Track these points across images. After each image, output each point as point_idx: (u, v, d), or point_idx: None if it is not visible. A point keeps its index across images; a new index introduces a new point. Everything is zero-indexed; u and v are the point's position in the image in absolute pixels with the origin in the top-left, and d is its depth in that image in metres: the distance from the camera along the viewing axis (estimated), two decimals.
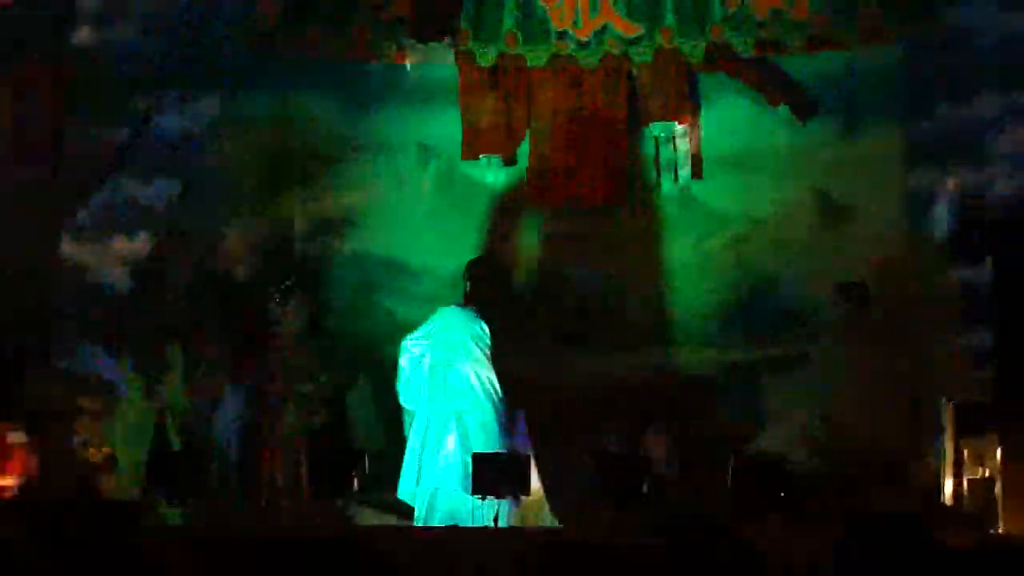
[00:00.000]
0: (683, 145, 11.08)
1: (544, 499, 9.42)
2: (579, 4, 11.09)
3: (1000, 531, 8.17)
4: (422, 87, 11.16)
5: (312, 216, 11.09)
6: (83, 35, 9.42)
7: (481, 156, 11.16)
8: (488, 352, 9.50)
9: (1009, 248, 8.56)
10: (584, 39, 11.14)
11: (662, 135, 11.10)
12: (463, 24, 11.07)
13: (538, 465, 9.41)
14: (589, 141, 11.19)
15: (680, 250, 11.18)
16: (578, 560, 5.93)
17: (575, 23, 11.12)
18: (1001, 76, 9.50)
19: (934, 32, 9.54)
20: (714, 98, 11.13)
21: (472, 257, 10.29)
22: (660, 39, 11.06)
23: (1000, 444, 8.40)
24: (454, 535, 8.09)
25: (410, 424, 9.69)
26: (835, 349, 9.81)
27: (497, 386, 9.49)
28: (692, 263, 11.13)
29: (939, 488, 9.06)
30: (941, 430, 9.16)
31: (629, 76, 11.16)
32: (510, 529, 8.28)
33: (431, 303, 10.18)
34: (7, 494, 8.08)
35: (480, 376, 9.43)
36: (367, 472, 8.84)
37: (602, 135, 11.18)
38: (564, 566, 5.68)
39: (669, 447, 9.92)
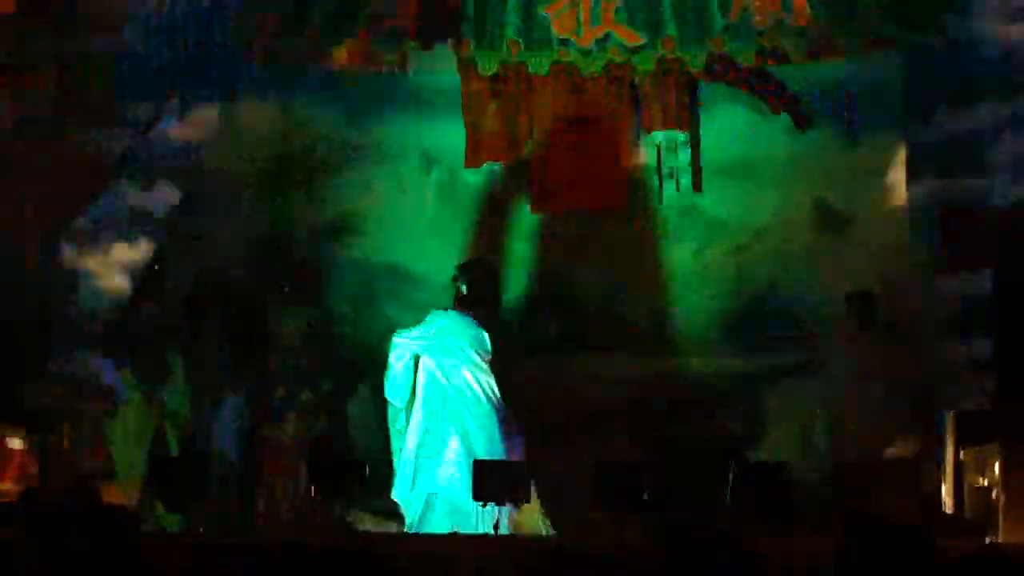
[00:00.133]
0: (684, 153, 11.09)
1: (539, 505, 9.39)
2: (581, 13, 11.11)
3: (1001, 540, 8.16)
4: (424, 95, 11.17)
5: (313, 223, 11.09)
6: (84, 41, 9.41)
7: (484, 164, 11.19)
8: (488, 358, 9.48)
9: (1009, 257, 8.55)
10: (586, 47, 11.16)
11: (664, 143, 11.11)
12: (465, 33, 11.08)
13: (536, 471, 9.40)
14: (591, 149, 11.21)
15: (681, 258, 11.19)
16: (578, 568, 5.91)
17: (577, 31, 11.14)
18: (1002, 85, 9.49)
19: (935, 41, 9.53)
20: (715, 107, 11.14)
21: (465, 260, 10.20)
22: (662, 48, 11.08)
23: (1001, 453, 8.38)
24: (454, 542, 8.08)
25: (395, 421, 9.59)
26: (836, 357, 9.78)
27: (497, 392, 9.46)
28: (693, 271, 11.14)
29: (940, 496, 9.05)
30: (942, 438, 9.15)
31: (631, 84, 11.18)
32: (511, 536, 8.26)
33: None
34: (6, 499, 8.06)
35: (480, 381, 9.40)
36: (367, 478, 8.82)
37: (604, 143, 11.19)
38: (564, 574, 5.66)
39: None
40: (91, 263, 9.41)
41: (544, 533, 9.17)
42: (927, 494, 9.11)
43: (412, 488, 9.34)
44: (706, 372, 10.97)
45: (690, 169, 11.06)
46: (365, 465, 8.92)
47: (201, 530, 9.46)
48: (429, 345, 9.52)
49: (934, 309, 9.60)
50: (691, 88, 11.11)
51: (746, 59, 11.02)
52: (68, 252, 9.34)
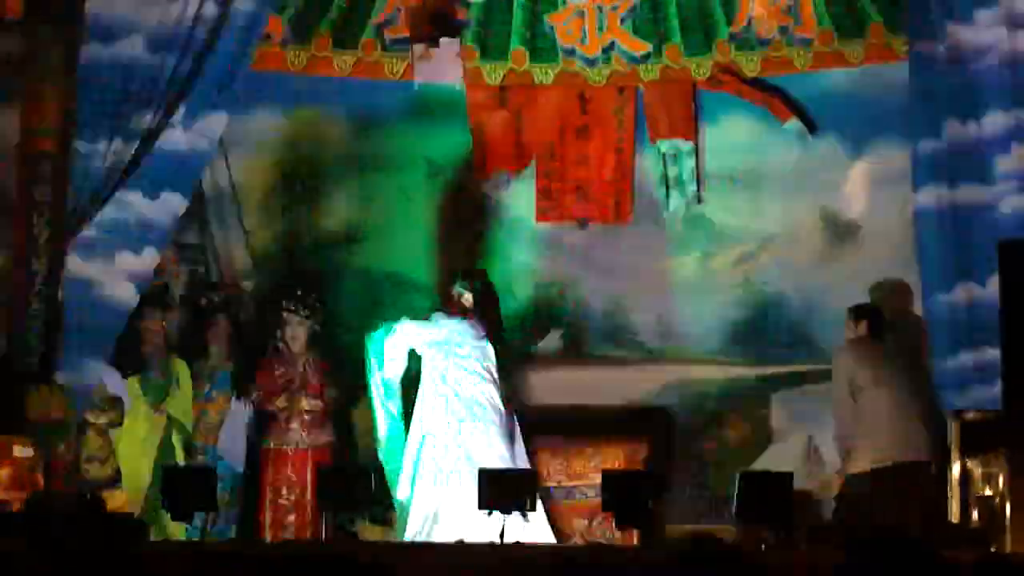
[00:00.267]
0: (690, 163, 11.09)
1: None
2: (586, 22, 11.12)
3: (1006, 549, 8.15)
4: (430, 104, 11.19)
5: (319, 232, 11.11)
6: (92, 50, 9.42)
7: (490, 173, 11.20)
8: (493, 366, 9.47)
9: (1016, 265, 8.54)
10: (591, 56, 11.17)
11: (669, 152, 11.12)
12: (470, 41, 11.10)
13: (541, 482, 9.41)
14: (596, 158, 11.21)
15: (687, 267, 11.19)
16: None
17: (582, 40, 11.15)
18: (1008, 94, 9.49)
19: (941, 50, 9.53)
20: (720, 116, 11.15)
21: (465, 269, 10.16)
22: (667, 57, 11.10)
23: (1007, 461, 8.38)
24: (458, 551, 8.08)
25: (387, 418, 9.54)
26: (841, 366, 9.76)
27: (500, 401, 9.45)
28: (699, 280, 11.14)
29: (945, 505, 9.04)
30: (947, 447, 9.15)
31: (636, 93, 11.19)
32: (516, 545, 8.25)
33: None
34: (12, 507, 8.08)
35: (485, 392, 9.39)
36: (373, 488, 8.81)
37: (609, 152, 11.20)
38: None
39: None
40: (97, 272, 9.41)
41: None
42: (932, 503, 9.10)
43: (411, 495, 9.31)
44: (712, 381, 10.97)
45: (696, 178, 11.06)
46: (370, 473, 8.91)
47: (206, 539, 9.48)
48: (437, 343, 9.41)
49: (940, 318, 9.59)
50: (696, 98, 11.12)
51: (752, 68, 11.03)
52: (74, 261, 9.35)
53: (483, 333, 9.49)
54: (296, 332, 10.04)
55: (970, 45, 9.42)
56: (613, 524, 8.82)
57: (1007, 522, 8.28)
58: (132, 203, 9.50)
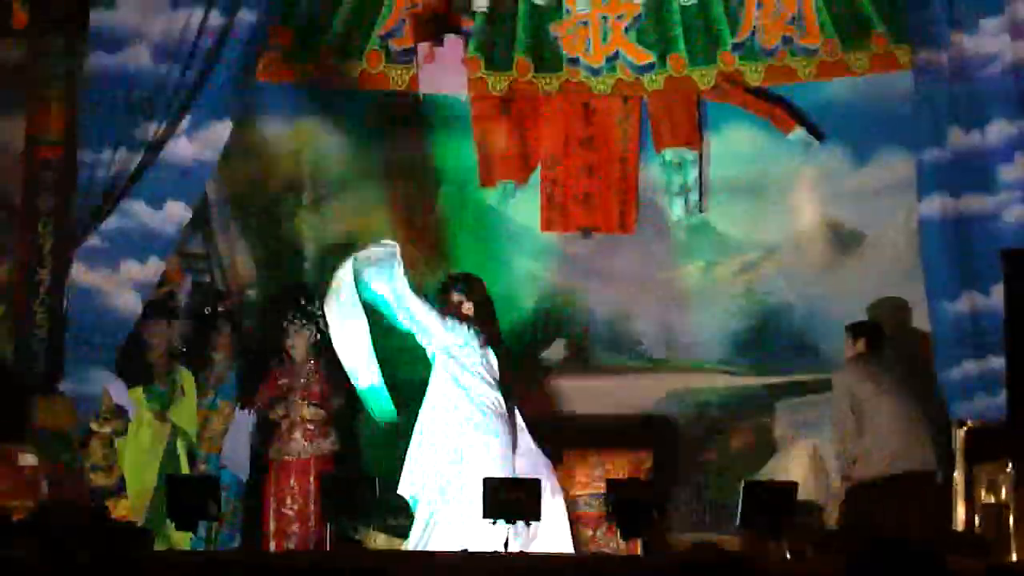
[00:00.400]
0: (693, 172, 11.10)
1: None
2: (591, 32, 11.14)
3: (1013, 558, 8.14)
4: (434, 113, 11.20)
5: (322, 241, 11.11)
6: (96, 60, 9.44)
7: (495, 182, 11.21)
8: (495, 372, 9.44)
9: (1020, 274, 8.54)
10: (596, 66, 11.18)
11: (673, 161, 11.13)
12: (474, 52, 11.11)
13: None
14: (601, 167, 11.22)
15: (691, 276, 11.19)
16: None
17: (587, 50, 11.17)
18: (1013, 104, 9.49)
19: (945, 59, 9.53)
20: (724, 126, 11.16)
21: (463, 273, 10.09)
22: (671, 67, 11.11)
23: (1012, 470, 8.37)
24: (462, 560, 8.06)
25: (381, 414, 9.48)
26: (845, 376, 9.77)
27: (504, 408, 9.43)
28: (702, 289, 11.14)
29: (950, 514, 9.03)
30: (953, 456, 9.14)
31: (641, 103, 11.20)
32: (520, 554, 8.24)
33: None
34: (17, 515, 8.07)
35: (488, 398, 9.35)
36: (377, 496, 8.80)
37: (614, 161, 11.21)
38: None
39: None
40: (102, 281, 9.42)
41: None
42: (937, 512, 9.10)
43: (413, 483, 9.25)
44: (716, 390, 10.97)
45: (699, 188, 11.07)
46: (375, 482, 8.90)
47: (210, 549, 9.48)
48: (447, 347, 9.28)
49: (945, 327, 9.58)
50: (701, 107, 11.13)
51: (756, 77, 11.04)
52: (79, 270, 9.35)
53: (484, 340, 9.47)
54: (296, 341, 10.05)
55: (974, 54, 9.42)
56: (618, 534, 8.78)
57: (1011, 530, 8.27)
58: (137, 212, 9.50)
